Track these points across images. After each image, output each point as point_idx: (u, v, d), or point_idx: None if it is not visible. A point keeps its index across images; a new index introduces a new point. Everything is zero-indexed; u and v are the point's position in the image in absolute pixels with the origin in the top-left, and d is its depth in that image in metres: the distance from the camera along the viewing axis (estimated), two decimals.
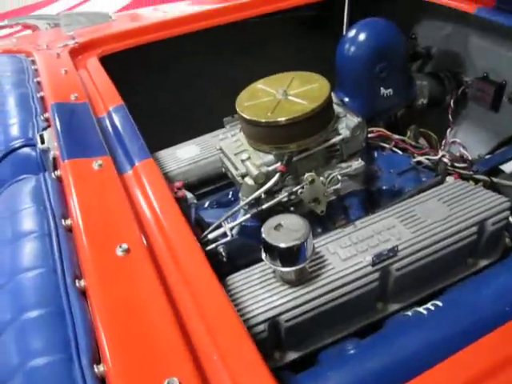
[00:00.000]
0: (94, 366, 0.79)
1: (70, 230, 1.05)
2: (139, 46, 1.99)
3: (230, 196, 1.66)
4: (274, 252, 1.17)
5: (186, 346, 0.81)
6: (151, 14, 2.69)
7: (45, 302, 0.90)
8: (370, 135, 1.74)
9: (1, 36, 2.91)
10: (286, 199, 1.39)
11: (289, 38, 2.43)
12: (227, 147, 1.50)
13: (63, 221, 1.06)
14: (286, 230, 1.18)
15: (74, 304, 0.89)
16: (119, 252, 0.94)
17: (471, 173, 1.68)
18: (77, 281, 0.93)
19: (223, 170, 1.55)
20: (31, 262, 0.99)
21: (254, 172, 1.37)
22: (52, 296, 0.91)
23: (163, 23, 2.09)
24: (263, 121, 1.38)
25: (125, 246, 0.95)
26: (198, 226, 1.46)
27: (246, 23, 2.22)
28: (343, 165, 1.48)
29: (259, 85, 1.56)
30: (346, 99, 1.93)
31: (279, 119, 1.36)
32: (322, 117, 1.42)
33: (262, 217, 1.34)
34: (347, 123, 1.48)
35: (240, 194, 1.46)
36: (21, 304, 0.92)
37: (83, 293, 0.91)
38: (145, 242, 1.01)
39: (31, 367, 0.80)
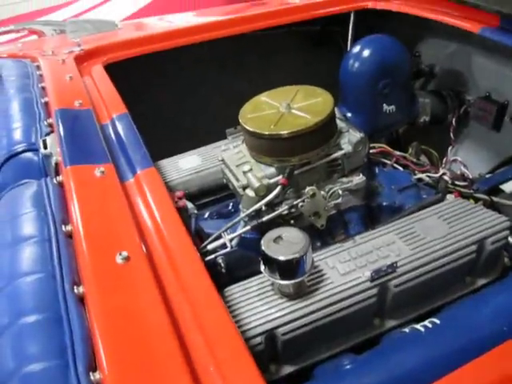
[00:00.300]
0: (90, 373, 0.78)
1: (70, 236, 1.05)
2: (144, 55, 2.00)
3: (230, 207, 1.66)
4: (273, 264, 1.17)
5: (183, 356, 0.80)
6: (157, 24, 2.70)
7: (42, 308, 0.90)
8: (371, 151, 1.74)
9: (7, 41, 2.92)
10: (286, 212, 1.39)
11: (294, 51, 2.44)
12: (229, 158, 1.51)
13: (64, 227, 1.06)
14: (285, 242, 1.18)
15: (72, 310, 0.89)
16: (119, 259, 0.94)
17: (471, 191, 1.68)
18: (75, 287, 0.92)
19: (224, 181, 1.56)
20: (30, 267, 0.99)
21: (256, 184, 1.37)
22: (50, 302, 0.91)
23: (169, 33, 2.10)
24: (266, 133, 1.38)
25: (125, 253, 0.95)
26: (198, 237, 1.46)
27: (251, 36, 2.23)
28: (344, 179, 1.48)
29: (263, 97, 1.56)
30: (349, 114, 1.94)
31: (282, 132, 1.37)
32: (325, 131, 1.43)
33: (261, 229, 1.34)
34: (349, 138, 1.48)
35: (240, 206, 1.46)
36: (18, 308, 0.91)
37: (81, 299, 0.91)
38: (145, 250, 1.01)
39: (27, 372, 0.80)
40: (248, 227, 1.36)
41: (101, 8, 4.07)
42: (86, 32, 2.32)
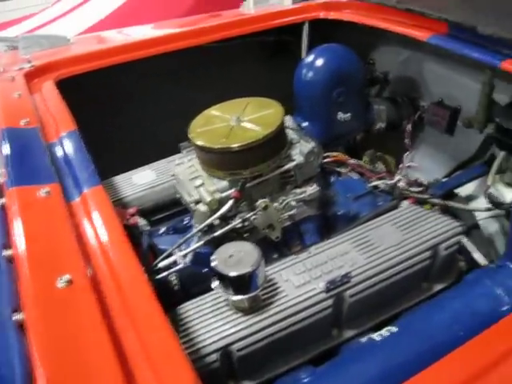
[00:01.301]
0: None
1: (10, 260, 1.01)
2: (97, 70, 1.96)
3: (186, 222, 1.64)
4: (226, 280, 1.16)
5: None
6: (113, 37, 2.67)
7: None
8: (326, 160, 1.74)
9: None
10: (240, 225, 1.38)
11: (250, 62, 2.44)
12: (181, 173, 1.49)
13: (4, 251, 1.03)
14: (237, 257, 1.17)
15: (11, 338, 0.86)
16: (61, 283, 0.92)
17: (427, 197, 1.69)
18: (15, 313, 0.89)
19: (177, 196, 1.54)
20: None
21: (207, 198, 1.36)
22: None
23: (122, 47, 2.08)
24: (216, 147, 1.37)
25: (67, 277, 0.93)
26: (152, 253, 1.44)
27: (207, 48, 2.22)
28: (298, 190, 1.48)
29: (213, 111, 1.55)
30: (305, 124, 1.94)
31: (232, 145, 1.36)
32: (276, 143, 1.42)
33: (215, 244, 1.32)
34: (301, 149, 1.48)
35: (193, 221, 1.44)
36: None
37: (21, 326, 0.88)
38: (89, 272, 0.98)
39: None
40: (201, 243, 1.34)
41: (55, 23, 4.02)
42: (38, 47, 2.28)
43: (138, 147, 2.01)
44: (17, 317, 0.88)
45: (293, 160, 1.46)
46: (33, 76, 1.86)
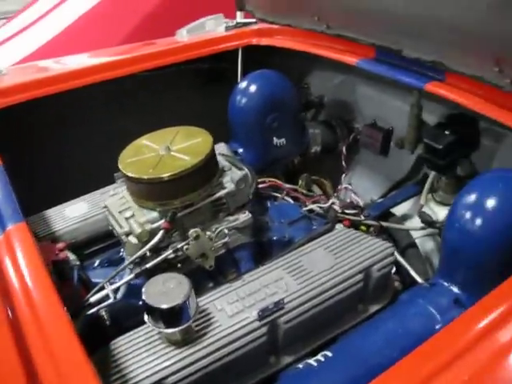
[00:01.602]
0: None
1: None
2: (23, 102, 1.92)
3: (121, 254, 1.61)
4: (156, 313, 1.14)
5: None
6: (48, 67, 2.63)
7: None
8: (261, 185, 1.75)
9: None
10: (172, 256, 1.36)
11: (186, 90, 2.44)
12: (112, 205, 1.47)
13: None
14: (167, 290, 1.15)
15: None
16: None
17: (362, 218, 1.72)
18: None
19: (110, 228, 1.51)
20: None
21: (137, 230, 1.34)
22: None
23: (51, 78, 2.04)
24: (145, 177, 1.36)
25: None
26: (85, 288, 1.41)
27: (142, 76, 2.20)
28: (230, 218, 1.48)
29: (143, 140, 1.54)
30: (240, 150, 1.95)
31: (161, 175, 1.35)
32: (205, 171, 1.42)
33: (148, 275, 1.30)
34: (232, 176, 1.48)
35: (124, 253, 1.42)
36: None
37: None
38: (10, 314, 0.95)
39: None
40: (132, 275, 1.32)
41: None
42: None
43: (72, 179, 1.97)
44: None
45: (224, 188, 1.46)
46: None
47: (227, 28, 2.37)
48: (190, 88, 2.42)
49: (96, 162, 1.94)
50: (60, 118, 2.14)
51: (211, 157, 1.44)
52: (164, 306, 1.12)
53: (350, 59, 1.90)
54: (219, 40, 2.31)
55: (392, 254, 1.43)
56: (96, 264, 1.60)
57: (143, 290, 1.16)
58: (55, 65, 2.61)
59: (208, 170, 1.43)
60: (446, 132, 1.68)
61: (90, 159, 2.07)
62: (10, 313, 0.95)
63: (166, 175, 1.34)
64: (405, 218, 1.93)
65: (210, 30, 2.50)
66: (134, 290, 1.36)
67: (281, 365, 1.33)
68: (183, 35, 2.49)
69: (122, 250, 1.62)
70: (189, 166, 1.35)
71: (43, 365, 0.86)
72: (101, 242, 1.67)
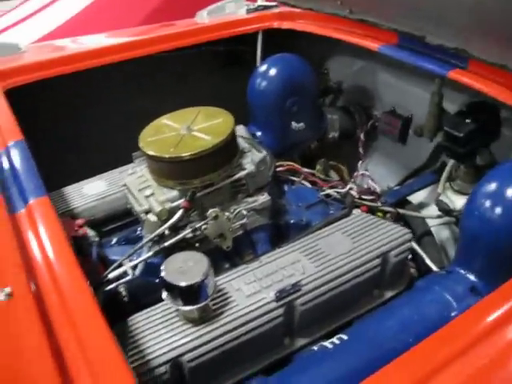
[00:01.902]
0: None
1: None
2: (47, 79, 1.93)
3: (138, 232, 1.62)
4: (175, 291, 1.15)
5: None
6: (67, 46, 2.64)
7: None
8: (279, 169, 1.75)
9: None
10: (190, 235, 1.37)
11: (205, 72, 2.43)
12: (131, 183, 1.47)
13: None
14: (186, 268, 1.16)
15: None
16: (1, 296, 0.89)
17: (379, 205, 1.72)
18: None
19: (128, 206, 1.52)
20: None
21: (157, 208, 1.35)
22: None
23: (74, 56, 2.05)
24: (166, 156, 1.36)
25: (7, 289, 0.90)
26: (103, 265, 1.42)
27: (161, 57, 2.20)
28: (249, 199, 1.48)
29: (163, 120, 1.54)
30: (259, 133, 1.95)
31: (182, 155, 1.35)
32: (226, 152, 1.42)
33: (166, 254, 1.31)
34: (252, 158, 1.48)
35: (143, 231, 1.43)
36: None
37: None
38: (33, 285, 0.96)
39: None
40: (151, 253, 1.33)
41: (8, 32, 3.93)
42: None
43: (89, 157, 1.98)
44: None
45: (244, 169, 1.46)
46: None
47: (248, 11, 2.36)
48: (208, 70, 2.42)
49: (113, 142, 1.95)
50: (78, 96, 2.15)
51: (232, 137, 1.44)
52: (183, 284, 1.13)
53: (372, 45, 1.89)
54: (240, 22, 2.30)
55: (410, 240, 1.43)
56: (113, 242, 1.62)
57: (162, 267, 1.17)
58: (74, 44, 2.62)
59: (228, 150, 1.44)
60: (467, 120, 1.67)
61: (108, 138, 2.07)
62: (33, 286, 0.96)
63: (186, 154, 1.35)
64: (421, 206, 1.93)
65: (231, 12, 2.48)
66: (151, 268, 1.37)
67: (295, 347, 1.34)
68: (203, 17, 2.48)
69: (138, 228, 1.63)
70: (210, 146, 1.36)
71: (67, 338, 0.87)
72: (118, 221, 1.68)
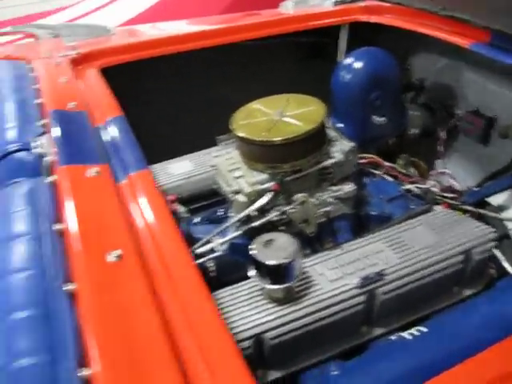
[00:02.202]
0: (79, 369, 0.78)
1: (61, 234, 1.05)
2: (138, 61, 2.01)
3: (220, 213, 1.66)
4: (263, 269, 1.18)
5: (174, 356, 0.81)
6: (149, 31, 2.71)
7: (33, 304, 0.90)
8: (361, 161, 1.76)
9: (3, 43, 2.91)
10: (276, 218, 1.40)
11: (286, 62, 2.46)
12: (221, 164, 1.52)
13: (55, 225, 1.06)
14: (275, 247, 1.19)
15: (62, 307, 0.89)
16: (111, 258, 0.95)
17: (460, 203, 1.70)
18: (66, 284, 0.93)
19: (215, 186, 1.56)
20: (21, 264, 0.99)
21: (247, 189, 1.38)
22: (40, 298, 0.91)
23: (164, 40, 2.12)
24: (258, 140, 1.40)
25: (117, 252, 0.96)
26: (186, 241, 1.47)
27: (244, 45, 2.24)
28: (334, 188, 1.50)
29: (255, 105, 1.58)
30: (340, 125, 1.95)
31: (275, 139, 1.38)
32: (317, 139, 1.45)
33: (251, 234, 1.34)
34: (341, 147, 1.50)
35: (231, 211, 1.47)
36: (9, 304, 0.92)
37: (72, 296, 0.91)
38: (138, 250, 1.01)
39: (16, 367, 0.80)
40: (239, 232, 1.37)
41: (96, 13, 4.07)
42: (79, 36, 2.33)
43: (171, 139, 2.04)
44: (68, 287, 0.92)
45: (332, 157, 1.48)
46: (77, 63, 1.91)
47: (336, 3, 2.36)
48: (290, 60, 2.45)
49: (193, 126, 2.00)
50: (166, 80, 2.21)
51: (323, 125, 1.46)
52: (272, 263, 1.17)
53: (463, 41, 1.87)
54: (326, 15, 2.32)
55: (494, 240, 1.42)
56: (195, 221, 1.67)
57: (253, 245, 1.20)
58: (158, 30, 2.69)
59: (319, 138, 1.46)
60: None
61: (188, 122, 2.12)
62: (138, 250, 1.01)
63: (279, 139, 1.38)
64: (501, 208, 1.90)
65: (316, 4, 2.50)
66: (235, 248, 1.41)
67: (371, 335, 1.35)
68: (288, 7, 2.50)
69: (220, 209, 1.67)
70: (302, 132, 1.38)
71: (169, 299, 0.92)
72: (203, 200, 1.73)
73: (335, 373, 1.20)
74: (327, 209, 1.46)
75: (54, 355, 0.81)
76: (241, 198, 1.40)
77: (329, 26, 2.32)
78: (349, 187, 1.49)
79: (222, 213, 1.65)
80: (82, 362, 0.81)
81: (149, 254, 1.01)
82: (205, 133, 1.74)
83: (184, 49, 2.11)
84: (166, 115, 2.24)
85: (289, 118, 1.46)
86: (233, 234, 1.36)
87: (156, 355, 0.80)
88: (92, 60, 1.93)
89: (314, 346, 1.29)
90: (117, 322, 0.84)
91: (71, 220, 1.04)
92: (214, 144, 1.81)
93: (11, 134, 1.45)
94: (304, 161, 1.43)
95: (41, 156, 1.32)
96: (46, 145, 1.34)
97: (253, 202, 1.39)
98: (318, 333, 1.26)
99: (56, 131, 1.35)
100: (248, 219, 1.40)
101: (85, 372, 0.78)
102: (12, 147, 1.39)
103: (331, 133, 1.57)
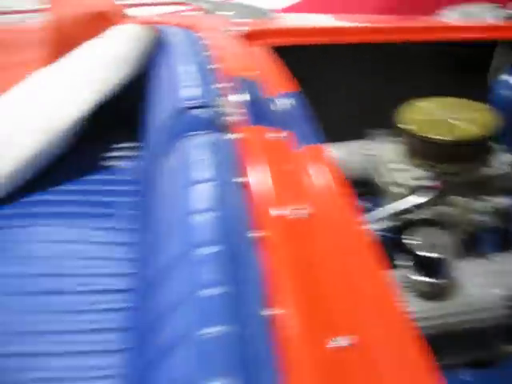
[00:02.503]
0: (263, 307, 0.81)
1: (243, 187, 1.09)
2: (303, 46, 2.05)
3: (369, 204, 1.68)
4: (419, 260, 1.20)
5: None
6: (306, 19, 2.76)
7: (218, 241, 0.95)
8: None
9: (171, 12, 3.06)
10: (430, 217, 1.41)
11: (436, 70, 2.43)
12: (383, 156, 1.54)
13: (236, 179, 1.11)
14: (434, 242, 1.21)
15: (246, 249, 0.93)
16: (305, 214, 0.97)
17: None
18: (251, 230, 0.96)
19: (370, 176, 1.58)
20: (206, 205, 1.04)
21: (409, 183, 1.40)
22: (226, 239, 0.96)
23: (331, 29, 2.16)
24: (428, 137, 1.41)
25: (308, 210, 0.98)
26: None
27: (403, 46, 2.24)
28: (493, 199, 1.48)
29: (422, 103, 1.59)
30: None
31: (445, 139, 1.39)
32: (486, 146, 1.44)
33: (401, 229, 1.36)
34: (505, 160, 1.48)
35: (385, 203, 1.49)
36: (194, 240, 0.97)
37: (257, 241, 0.94)
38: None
39: (200, 296, 0.85)
40: (390, 225, 1.38)
41: None
42: (240, 14, 2.41)
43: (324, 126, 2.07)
44: (253, 232, 0.96)
45: (498, 168, 1.47)
46: (249, 38, 1.98)
47: (506, 18, 2.30)
48: (440, 69, 2.41)
49: (351, 118, 2.03)
50: (319, 70, 2.25)
51: (493, 133, 1.45)
52: (430, 255, 1.18)
53: None
54: (490, 29, 2.27)
55: None
56: None
57: (411, 235, 1.22)
58: (313, 21, 2.73)
59: (488, 145, 1.45)
60: None
61: (345, 114, 2.15)
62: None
63: (450, 139, 1.39)
64: None
65: (480, 16, 2.44)
66: (384, 241, 1.43)
67: (507, 352, 1.32)
68: (450, 17, 2.47)
69: (370, 201, 1.68)
70: (476, 136, 1.38)
71: None
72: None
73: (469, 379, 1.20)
74: (482, 218, 1.45)
75: (237, 288, 0.85)
76: (399, 190, 1.42)
77: (489, 39, 2.27)
78: (508, 201, 1.47)
79: (371, 205, 1.67)
80: (265, 303, 0.85)
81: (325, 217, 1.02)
82: (355, 126, 1.76)
83: (354, 40, 2.13)
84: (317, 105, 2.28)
85: (461, 121, 1.46)
86: (389, 225, 1.38)
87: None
88: (262, 38, 2.00)
89: (448, 350, 1.28)
90: (306, 271, 0.87)
91: (256, 175, 1.08)
92: (359, 137, 1.83)
93: (190, 91, 1.53)
94: (470, 166, 1.43)
95: (220, 115, 1.39)
96: (229, 105, 1.40)
97: (407, 196, 1.41)
98: (455, 336, 1.25)
99: (243, 96, 1.41)
100: (400, 213, 1.42)
101: (269, 311, 0.82)
102: (191, 103, 1.47)
103: (494, 144, 1.55)
